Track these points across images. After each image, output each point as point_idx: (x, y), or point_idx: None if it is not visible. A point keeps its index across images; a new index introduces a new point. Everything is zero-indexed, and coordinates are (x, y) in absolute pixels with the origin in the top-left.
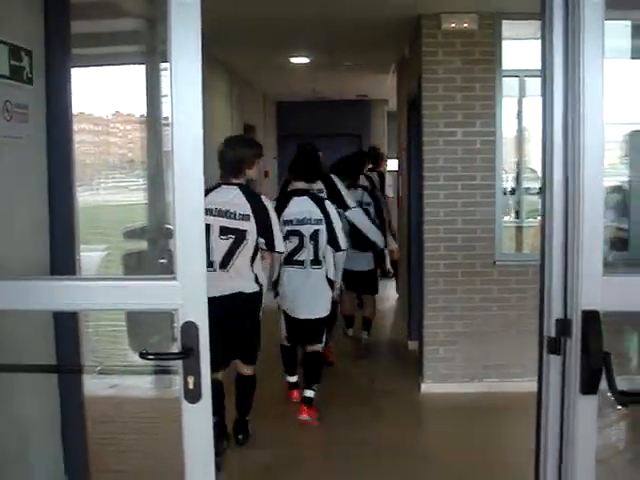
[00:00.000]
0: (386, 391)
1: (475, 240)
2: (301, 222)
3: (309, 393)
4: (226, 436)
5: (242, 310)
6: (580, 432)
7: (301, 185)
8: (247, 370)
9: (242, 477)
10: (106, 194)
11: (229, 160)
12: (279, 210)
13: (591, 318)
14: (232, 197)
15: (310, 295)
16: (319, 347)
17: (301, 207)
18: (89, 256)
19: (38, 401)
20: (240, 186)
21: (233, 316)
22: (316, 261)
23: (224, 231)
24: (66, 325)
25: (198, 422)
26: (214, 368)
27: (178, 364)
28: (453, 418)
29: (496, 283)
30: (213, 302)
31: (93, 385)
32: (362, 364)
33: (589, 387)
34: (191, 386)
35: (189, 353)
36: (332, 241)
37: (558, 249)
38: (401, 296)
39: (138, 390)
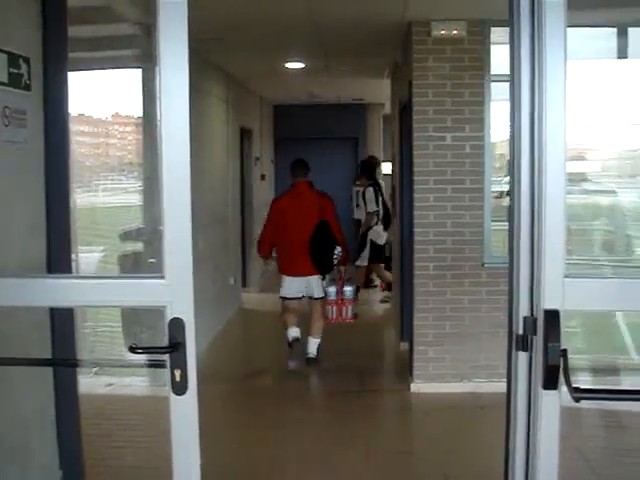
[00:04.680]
0: (375, 390)
1: (464, 243)
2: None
3: None
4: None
5: None
6: (542, 426)
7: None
8: None
9: None
10: (104, 196)
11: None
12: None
13: (551, 317)
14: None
15: None
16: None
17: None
18: (87, 257)
19: (34, 396)
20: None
21: None
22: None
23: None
24: (62, 322)
25: (184, 413)
26: None
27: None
28: (442, 417)
29: (485, 285)
30: None
31: (90, 384)
32: (353, 363)
33: (549, 382)
34: (178, 379)
35: (176, 347)
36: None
37: (525, 249)
38: (394, 298)
39: (133, 389)
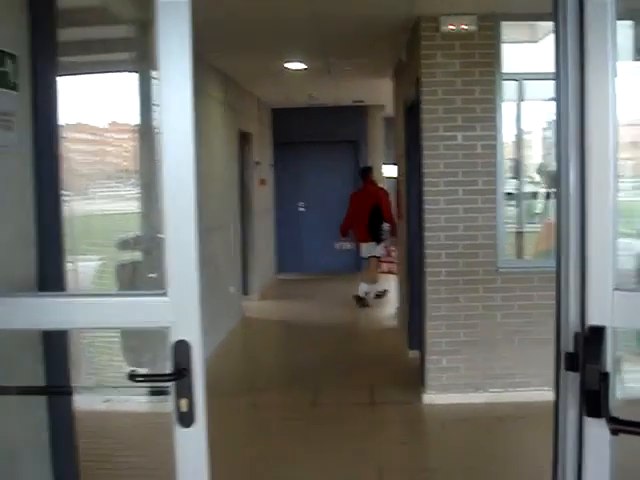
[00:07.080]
0: (386, 403)
1: (477, 247)
2: None
3: None
4: None
5: None
6: (589, 456)
7: None
8: None
9: None
10: (102, 203)
11: None
12: None
13: (594, 334)
14: None
15: None
16: None
17: None
18: (84, 266)
19: (26, 421)
20: None
21: None
22: None
23: None
24: (55, 343)
25: (192, 447)
26: None
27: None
28: (459, 430)
29: (499, 291)
30: None
31: (86, 399)
32: (361, 374)
33: (591, 409)
34: (184, 409)
35: (182, 374)
36: None
37: (575, 259)
38: (401, 304)
39: (132, 404)
